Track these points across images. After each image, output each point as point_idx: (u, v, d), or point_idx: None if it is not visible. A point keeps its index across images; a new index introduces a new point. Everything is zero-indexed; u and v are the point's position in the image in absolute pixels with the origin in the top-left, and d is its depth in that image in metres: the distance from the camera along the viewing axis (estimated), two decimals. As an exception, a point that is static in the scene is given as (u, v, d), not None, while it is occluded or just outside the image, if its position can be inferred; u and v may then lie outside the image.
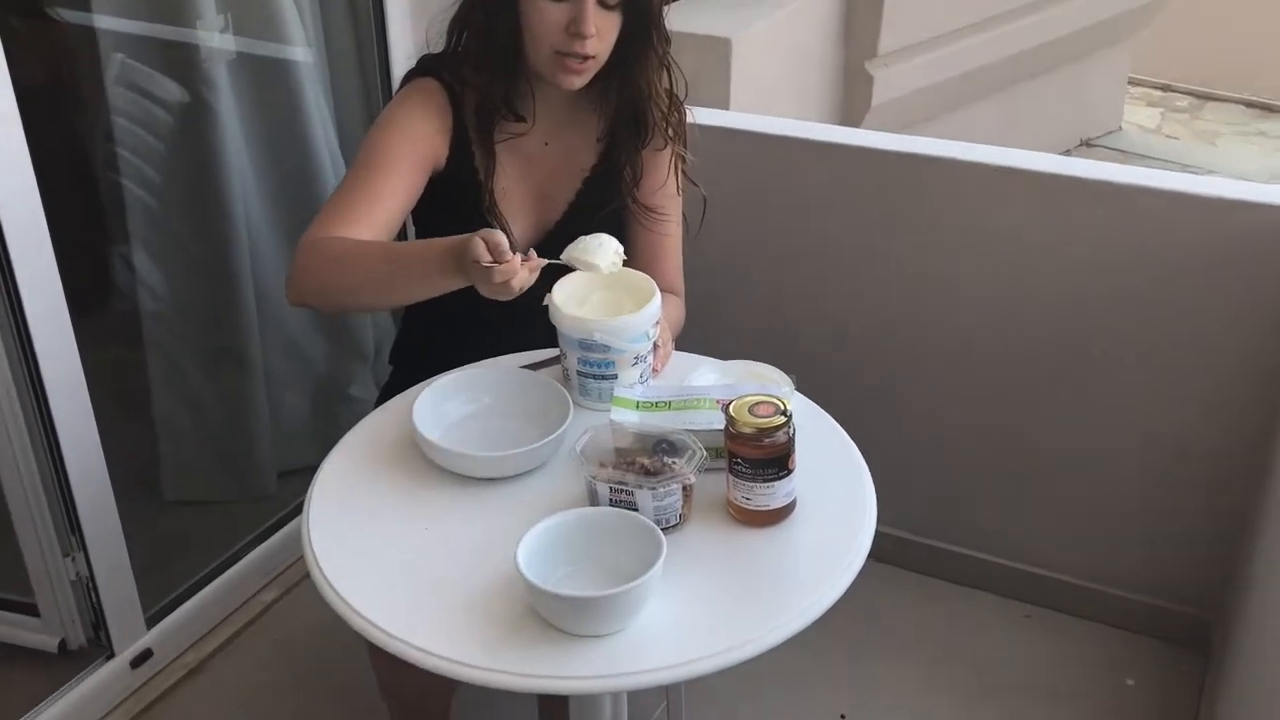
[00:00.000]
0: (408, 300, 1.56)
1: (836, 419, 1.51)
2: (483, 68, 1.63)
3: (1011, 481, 2.32)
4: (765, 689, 2.16)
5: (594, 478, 1.31)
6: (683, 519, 1.33)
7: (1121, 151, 4.85)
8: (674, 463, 1.33)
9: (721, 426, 1.39)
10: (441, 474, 1.41)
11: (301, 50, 2.41)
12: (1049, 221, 2.10)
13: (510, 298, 1.39)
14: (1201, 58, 5.58)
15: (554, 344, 1.55)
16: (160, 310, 2.45)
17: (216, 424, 2.55)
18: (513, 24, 1.60)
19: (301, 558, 2.39)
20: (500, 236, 1.38)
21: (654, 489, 1.29)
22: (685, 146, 1.76)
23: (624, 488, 1.30)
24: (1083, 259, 2.09)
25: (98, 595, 2.09)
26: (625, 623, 1.19)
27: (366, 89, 2.55)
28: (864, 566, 1.29)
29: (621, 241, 1.77)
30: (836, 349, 2.34)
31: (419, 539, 1.33)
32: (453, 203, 1.68)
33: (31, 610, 2.14)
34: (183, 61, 2.31)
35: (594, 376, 1.51)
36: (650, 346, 1.52)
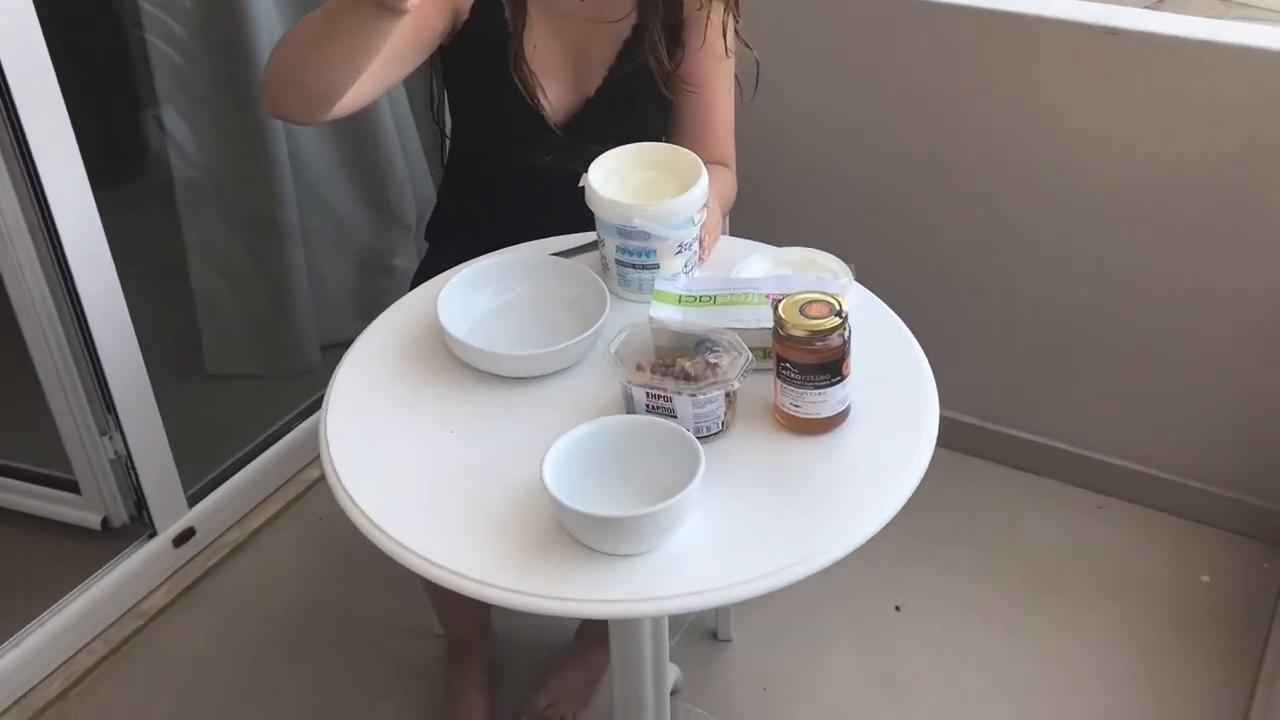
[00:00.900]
0: (350, 63, 1.29)
1: (901, 306, 1.39)
2: None
3: (1086, 365, 2.18)
4: (815, 578, 2.08)
5: (629, 383, 1.21)
6: (725, 426, 1.22)
7: (1222, -1, 4.49)
8: (717, 365, 1.22)
9: (770, 323, 1.27)
10: (468, 371, 1.32)
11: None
12: (1140, 85, 1.90)
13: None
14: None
15: (592, 227, 1.43)
16: (193, 176, 2.35)
17: (256, 295, 2.48)
18: None
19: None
20: None
21: (694, 395, 1.18)
22: (737, 8, 1.59)
23: (662, 393, 1.19)
24: (1186, 121, 1.91)
25: (137, 475, 2.06)
26: (661, 541, 1.10)
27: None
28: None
29: (664, 109, 1.63)
30: (898, 227, 2.19)
31: (443, 443, 1.24)
32: (480, 60, 1.54)
33: (73, 487, 2.12)
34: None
35: (634, 266, 1.39)
36: (696, 233, 1.40)
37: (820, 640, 2.00)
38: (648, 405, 1.21)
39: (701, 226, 1.40)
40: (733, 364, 1.21)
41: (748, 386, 1.22)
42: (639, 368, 1.23)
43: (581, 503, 1.11)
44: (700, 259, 1.44)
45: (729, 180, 1.65)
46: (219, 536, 2.19)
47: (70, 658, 1.96)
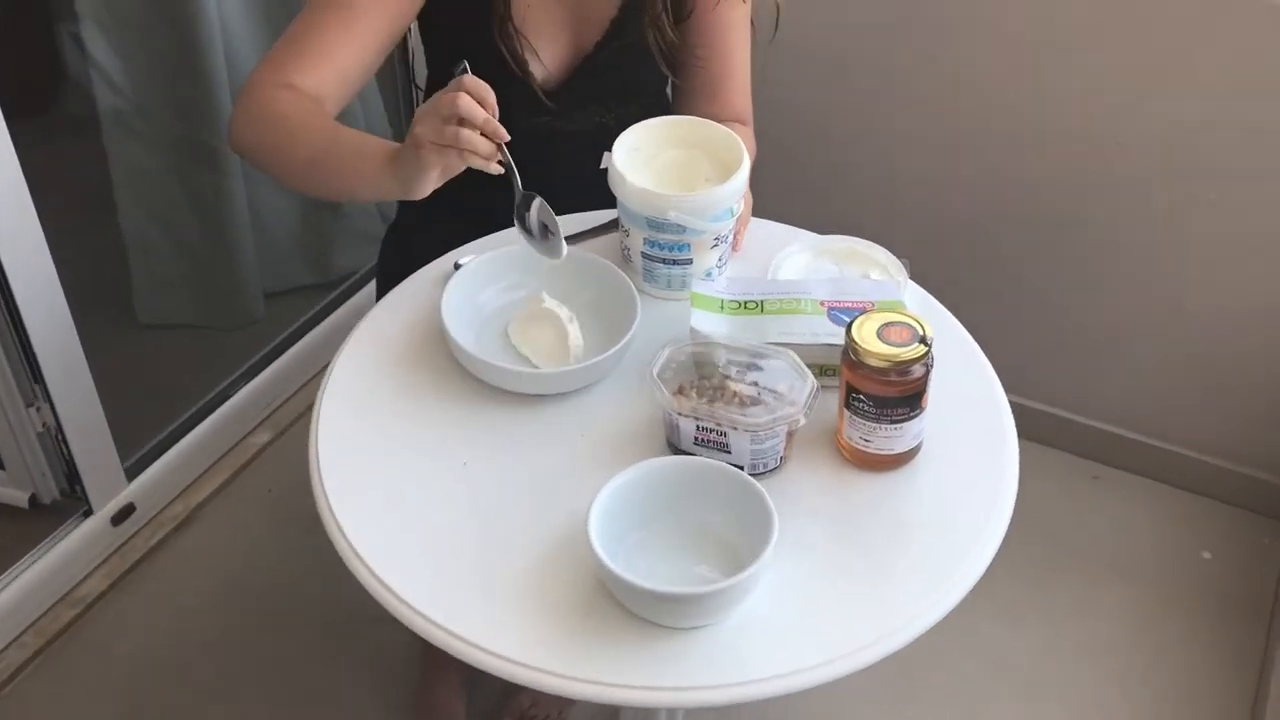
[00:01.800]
0: (332, 197, 1.24)
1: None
2: None
3: (1085, 331, 2.07)
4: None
5: (677, 412, 1.05)
6: (783, 461, 1.07)
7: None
8: (775, 394, 1.06)
9: (830, 338, 1.12)
10: (476, 386, 1.14)
11: None
12: (1160, 44, 1.76)
13: (438, 178, 1.09)
14: None
15: (591, 200, 1.26)
16: (119, 105, 2.09)
17: (192, 236, 2.24)
18: None
19: (295, 396, 2.21)
20: (466, 77, 1.07)
21: (754, 432, 1.03)
22: None
23: (715, 428, 1.04)
24: (1193, 86, 1.77)
25: (68, 446, 1.85)
26: (728, 615, 0.96)
27: None
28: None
29: (676, 70, 1.44)
30: (903, 195, 2.04)
31: (457, 478, 1.07)
32: (463, 22, 1.34)
33: (-6, 462, 1.90)
34: None
35: (664, 261, 1.22)
36: (733, 225, 1.23)
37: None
38: (697, 439, 1.05)
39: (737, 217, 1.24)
40: (795, 392, 1.06)
41: (803, 411, 1.07)
42: (682, 391, 1.07)
43: (626, 558, 0.97)
44: (734, 249, 1.27)
45: (748, 140, 1.47)
46: (160, 511, 2.00)
47: (-2, 653, 1.78)
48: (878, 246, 1.28)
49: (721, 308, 1.16)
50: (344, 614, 1.85)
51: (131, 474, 1.95)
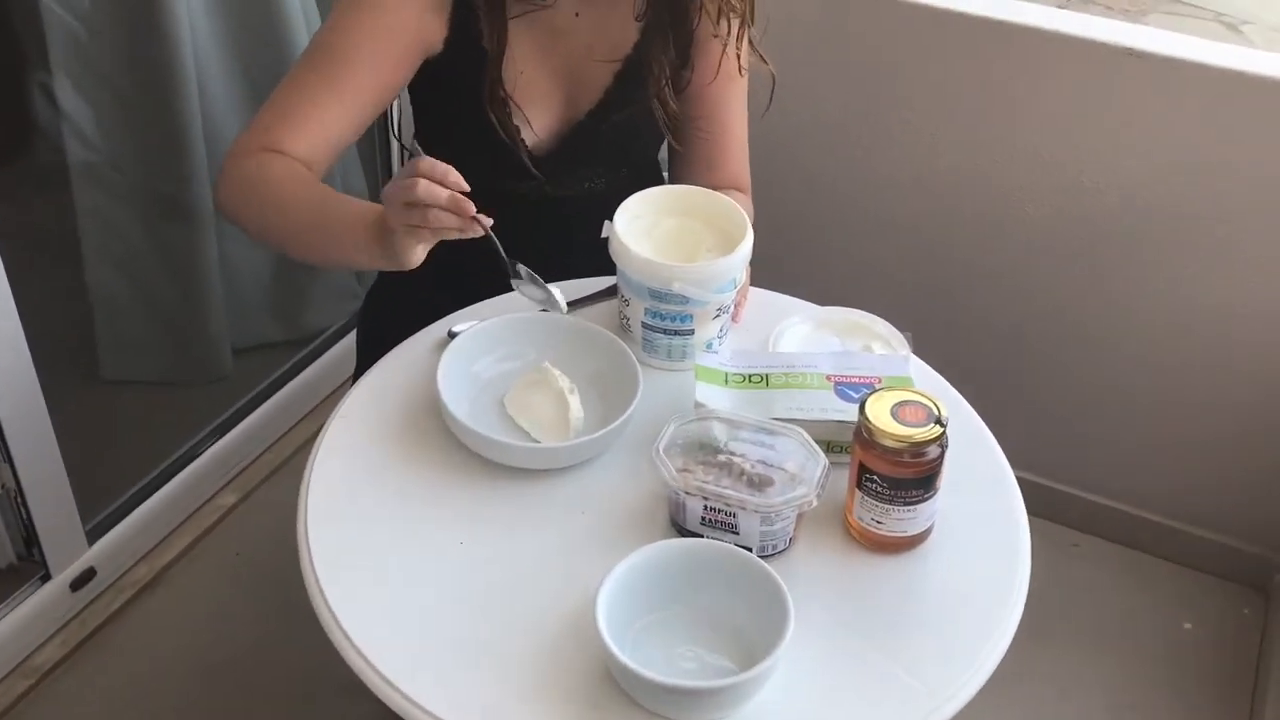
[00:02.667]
0: (323, 265, 1.24)
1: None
2: None
3: (1061, 397, 2.07)
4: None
5: (685, 491, 1.01)
6: (791, 543, 1.04)
7: (1154, -9, 4.43)
8: (785, 472, 1.03)
9: (839, 415, 1.10)
10: (472, 459, 1.10)
11: None
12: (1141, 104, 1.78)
13: (422, 251, 1.10)
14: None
15: (580, 266, 1.24)
16: (91, 159, 2.04)
17: (161, 291, 2.19)
18: None
19: (264, 455, 2.15)
20: (451, 171, 1.06)
21: (764, 513, 1.00)
22: (753, 21, 1.39)
23: (724, 508, 1.01)
24: (1157, 153, 1.79)
25: (27, 508, 1.78)
26: (738, 710, 0.92)
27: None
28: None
29: (674, 139, 1.42)
30: (894, 256, 2.04)
31: (454, 559, 1.03)
32: (455, 92, 1.31)
33: (-53, 523, 1.82)
34: None
35: (665, 331, 1.19)
36: (735, 295, 1.21)
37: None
38: (704, 519, 1.02)
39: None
40: (807, 471, 1.03)
41: (811, 490, 1.04)
42: (687, 469, 1.04)
43: (632, 647, 0.93)
44: (734, 320, 1.25)
45: (747, 209, 1.46)
46: (123, 575, 1.93)
47: (-53, 727, 1.70)
48: (878, 319, 1.26)
49: (726, 381, 1.13)
50: (313, 683, 1.78)
51: (93, 536, 1.88)
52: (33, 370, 1.72)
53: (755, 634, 0.94)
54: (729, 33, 1.35)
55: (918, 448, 0.99)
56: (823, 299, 1.31)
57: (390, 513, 1.07)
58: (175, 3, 1.89)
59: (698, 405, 1.10)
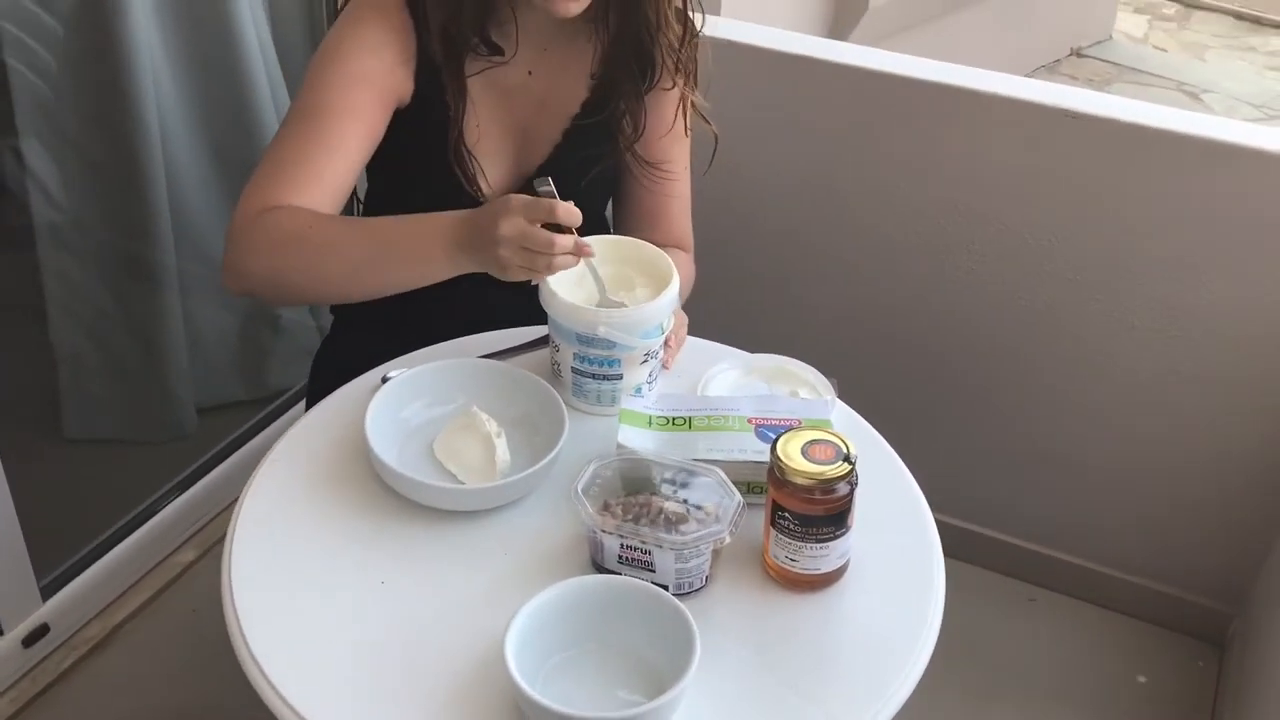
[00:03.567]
0: (385, 292, 1.25)
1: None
2: None
3: (1018, 453, 2.09)
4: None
5: (601, 530, 1.03)
6: (709, 580, 1.06)
7: (1114, 64, 4.53)
8: (702, 511, 1.05)
9: (757, 456, 1.12)
10: (400, 502, 1.12)
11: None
12: (1105, 172, 1.82)
13: (529, 278, 1.15)
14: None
15: (529, 316, 1.26)
16: (56, 220, 2.08)
17: (124, 350, 2.21)
18: None
19: (224, 513, 2.16)
20: (544, 201, 1.11)
21: (679, 550, 1.01)
22: (696, 85, 1.44)
23: (640, 546, 1.02)
24: (1133, 218, 1.83)
25: (-19, 565, 1.79)
26: (643, 741, 0.93)
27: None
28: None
29: (618, 195, 1.48)
30: (834, 307, 2.07)
31: (376, 599, 1.05)
32: (416, 143, 1.36)
33: (-99, 579, 1.83)
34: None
35: (594, 376, 1.22)
36: (663, 341, 1.23)
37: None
38: (621, 557, 1.04)
39: (669, 331, 1.24)
40: (722, 509, 1.05)
41: (731, 528, 1.06)
42: (607, 508, 1.06)
43: (545, 683, 0.94)
44: (665, 366, 1.28)
45: (688, 266, 1.50)
46: (76, 633, 1.93)
47: (-105, 787, 1.69)
48: (807, 365, 1.29)
49: (650, 423, 1.16)
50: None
51: (47, 592, 1.89)
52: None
53: (667, 670, 0.95)
54: (680, 89, 1.40)
55: (827, 484, 1.01)
56: (760, 348, 1.34)
57: (315, 554, 1.09)
58: (140, 66, 1.94)
59: (620, 446, 1.13)
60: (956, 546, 2.10)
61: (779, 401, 1.20)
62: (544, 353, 1.29)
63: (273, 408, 2.28)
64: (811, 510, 1.02)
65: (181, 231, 2.14)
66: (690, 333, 1.37)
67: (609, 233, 1.50)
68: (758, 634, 1.04)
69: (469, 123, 1.36)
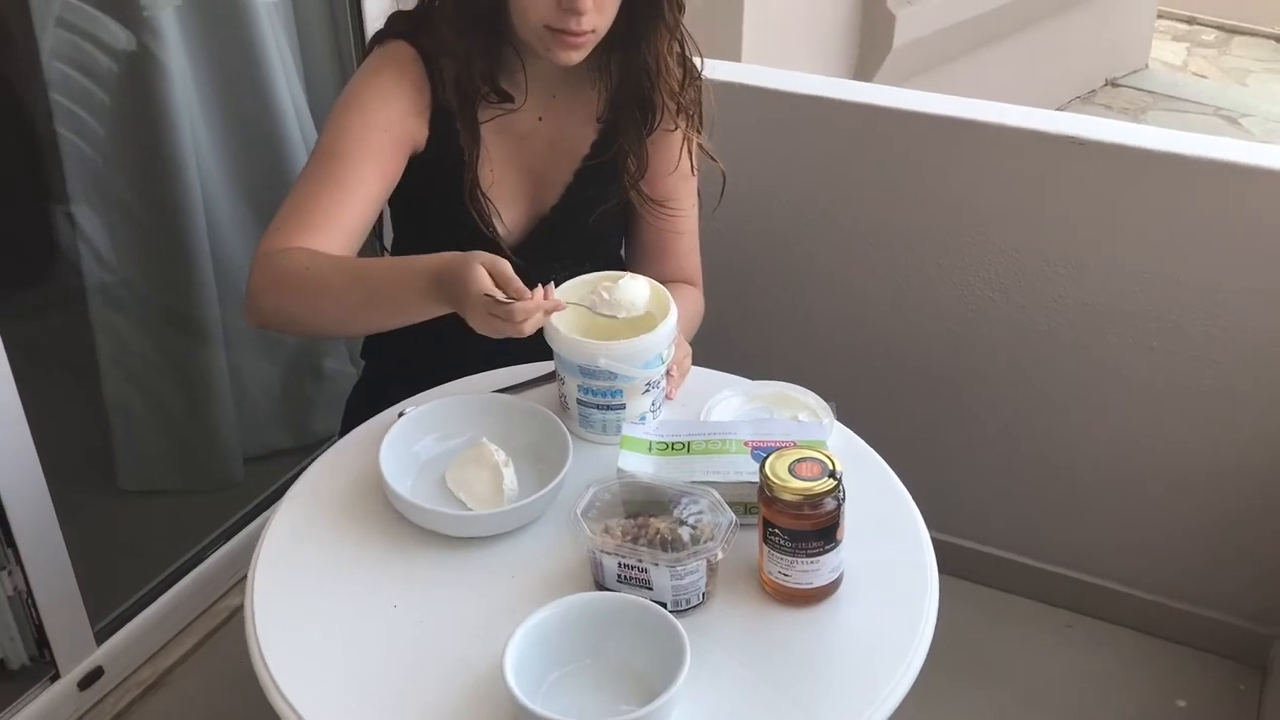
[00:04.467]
0: (382, 328, 1.32)
1: (860, 422, 1.28)
2: (461, 32, 1.36)
3: (1055, 481, 2.10)
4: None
5: (599, 550, 1.08)
6: (706, 597, 1.10)
7: (1149, 92, 4.54)
8: (697, 529, 1.09)
9: (753, 477, 1.15)
10: (414, 531, 1.18)
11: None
12: (1119, 199, 1.84)
13: (504, 336, 1.17)
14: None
15: (547, 351, 1.32)
16: (107, 279, 2.19)
17: (174, 404, 2.30)
18: None
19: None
20: (505, 266, 1.15)
21: (674, 567, 1.05)
22: (701, 127, 1.50)
23: (637, 564, 1.07)
24: (1146, 242, 1.84)
25: (38, 611, 1.86)
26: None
27: (336, 34, 2.26)
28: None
29: (628, 232, 1.54)
30: (853, 337, 2.10)
31: (387, 621, 1.10)
32: (433, 188, 1.43)
33: (-36, 627, 1.91)
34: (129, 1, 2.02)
35: (598, 406, 1.26)
36: (664, 371, 1.28)
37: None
38: (619, 575, 1.08)
39: (670, 361, 1.29)
40: (715, 528, 1.09)
41: (730, 546, 1.10)
42: (607, 530, 1.11)
43: (545, 698, 0.98)
44: (668, 396, 1.32)
45: (696, 300, 1.55)
46: (129, 676, 2.00)
47: (-43, 827, 1.76)
48: (808, 391, 1.33)
49: (650, 449, 1.20)
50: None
51: (101, 637, 1.96)
52: (44, 486, 1.81)
53: (661, 682, 0.99)
54: (686, 128, 1.46)
55: (815, 500, 1.05)
56: (771, 378, 1.38)
57: (331, 582, 1.14)
58: (182, 132, 2.05)
59: (620, 471, 1.17)
60: (989, 574, 2.15)
61: (774, 425, 1.24)
62: (554, 386, 1.34)
63: (317, 454, 2.35)
64: (800, 525, 1.05)
65: (225, 287, 2.23)
66: (696, 363, 1.42)
67: (622, 267, 1.55)
68: (753, 647, 1.07)
69: (483, 167, 1.43)
